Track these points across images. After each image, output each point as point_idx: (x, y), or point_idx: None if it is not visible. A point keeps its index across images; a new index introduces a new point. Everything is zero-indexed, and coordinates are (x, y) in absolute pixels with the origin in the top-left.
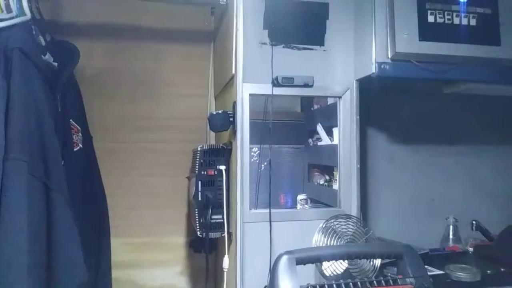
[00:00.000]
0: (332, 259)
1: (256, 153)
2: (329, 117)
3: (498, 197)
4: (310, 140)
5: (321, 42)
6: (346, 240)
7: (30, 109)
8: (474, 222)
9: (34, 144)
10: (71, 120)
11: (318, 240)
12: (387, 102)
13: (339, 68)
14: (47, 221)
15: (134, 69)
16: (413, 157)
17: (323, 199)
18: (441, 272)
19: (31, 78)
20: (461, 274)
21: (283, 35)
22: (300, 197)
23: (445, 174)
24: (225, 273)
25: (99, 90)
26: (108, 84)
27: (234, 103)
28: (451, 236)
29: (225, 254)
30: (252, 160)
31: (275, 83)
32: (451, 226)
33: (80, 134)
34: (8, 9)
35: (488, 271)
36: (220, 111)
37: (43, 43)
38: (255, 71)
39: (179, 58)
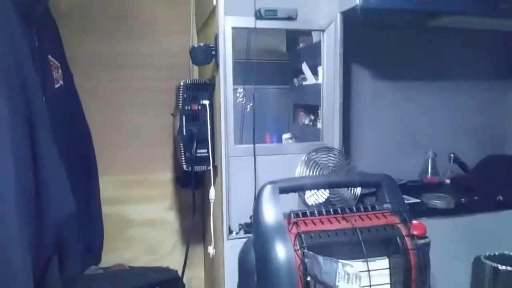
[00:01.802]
0: (313, 188)
1: (241, 94)
2: (315, 56)
3: (477, 132)
4: (295, 80)
5: None
6: (328, 172)
7: (5, 41)
8: (452, 155)
9: (12, 78)
10: (49, 56)
11: (300, 172)
12: (370, 38)
13: (323, 0)
14: (32, 155)
15: (112, 3)
16: (395, 92)
17: (308, 138)
18: (418, 200)
19: (4, 8)
20: (437, 201)
21: None
22: (285, 136)
23: (426, 110)
24: (212, 204)
25: (76, 25)
26: (85, 19)
27: (216, 36)
28: (429, 169)
29: (211, 186)
30: (238, 101)
31: (258, 15)
32: (429, 160)
33: (60, 70)
34: None
35: (462, 200)
36: (201, 44)
37: None
38: (237, 3)
39: None
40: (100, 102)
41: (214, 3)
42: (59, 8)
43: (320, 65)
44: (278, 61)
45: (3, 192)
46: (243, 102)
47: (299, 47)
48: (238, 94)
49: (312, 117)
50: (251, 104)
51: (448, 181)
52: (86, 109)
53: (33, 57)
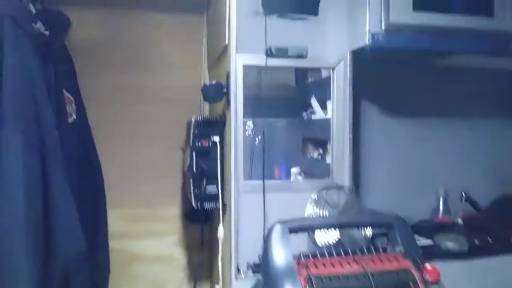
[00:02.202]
0: (324, 228)
1: (251, 127)
2: (323, 90)
3: (490, 170)
4: (304, 113)
5: (315, 12)
6: (337, 211)
7: (23, 78)
8: (463, 193)
9: (28, 113)
10: (64, 90)
11: (310, 210)
12: (380, 74)
13: (333, 39)
14: (44, 190)
15: (126, 39)
16: (406, 129)
17: (316, 172)
18: (430, 241)
19: (23, 46)
20: (449, 243)
21: (277, 4)
22: (294, 170)
23: (437, 146)
24: (220, 242)
25: (91, 60)
26: (100, 54)
27: (228, 74)
28: (441, 208)
29: (219, 224)
30: (247, 134)
31: (269, 53)
32: (441, 198)
33: (73, 105)
34: None
35: (476, 241)
36: (213, 82)
37: (34, 11)
38: (248, 41)
39: (172, 28)
40: (110, 135)
41: (227, 42)
42: (75, 43)
43: (329, 99)
44: (287, 94)
45: (13, 226)
46: (253, 135)
47: (308, 81)
48: (247, 127)
49: (321, 151)
50: (260, 137)
51: (460, 220)
52: (97, 141)
53: (49, 93)
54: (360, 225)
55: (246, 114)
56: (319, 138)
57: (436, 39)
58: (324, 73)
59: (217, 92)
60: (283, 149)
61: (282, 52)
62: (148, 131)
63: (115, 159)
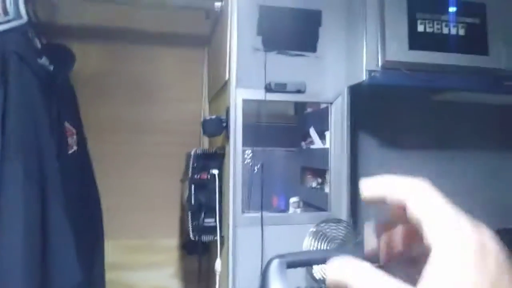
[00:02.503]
0: (322, 263)
1: (249, 155)
2: (322, 120)
3: (488, 203)
4: (303, 143)
5: (313, 49)
6: (336, 244)
7: (26, 112)
8: None
9: (30, 147)
10: (66, 122)
11: (308, 243)
12: (377, 108)
13: (331, 75)
14: (42, 223)
15: (128, 72)
16: (403, 162)
17: (315, 202)
18: None
19: (27, 82)
20: None
21: (276, 41)
22: (293, 200)
23: (434, 180)
24: (217, 276)
25: (94, 92)
26: (103, 86)
27: (228, 109)
28: None
29: (217, 257)
30: (245, 162)
31: (268, 88)
32: None
33: (75, 136)
34: (5, 12)
35: None
36: (213, 117)
37: (39, 46)
38: (248, 77)
39: (174, 61)
40: (110, 165)
41: (227, 77)
42: (78, 75)
43: (327, 129)
44: (286, 124)
45: (10, 257)
46: (251, 163)
47: (306, 111)
48: (246, 155)
49: (320, 180)
50: (258, 165)
51: None
52: (97, 171)
53: (50, 125)
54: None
55: (245, 143)
56: (318, 168)
57: (432, 76)
58: (322, 104)
59: (217, 127)
60: (282, 178)
61: (281, 87)
62: (148, 162)
63: (114, 189)
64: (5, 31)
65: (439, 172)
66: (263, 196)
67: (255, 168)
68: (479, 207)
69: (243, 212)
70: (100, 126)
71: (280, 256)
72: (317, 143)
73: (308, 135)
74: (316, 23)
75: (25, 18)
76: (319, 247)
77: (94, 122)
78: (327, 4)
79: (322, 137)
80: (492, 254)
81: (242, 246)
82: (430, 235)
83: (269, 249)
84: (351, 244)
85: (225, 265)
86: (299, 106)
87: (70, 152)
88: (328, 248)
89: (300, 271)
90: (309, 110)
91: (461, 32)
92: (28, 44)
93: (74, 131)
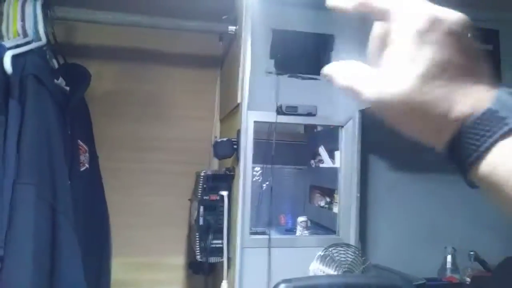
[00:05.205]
0: None
1: (259, 172)
2: (332, 139)
3: (498, 228)
4: (312, 161)
5: None
6: (343, 269)
7: (41, 133)
8: (472, 253)
9: (43, 167)
10: (79, 140)
11: (315, 267)
12: (388, 131)
13: (342, 98)
14: (52, 243)
15: (142, 91)
16: (413, 186)
17: (323, 222)
18: None
19: (43, 103)
20: None
21: (288, 65)
22: (301, 219)
23: (445, 203)
24: None
25: (107, 110)
26: (116, 105)
27: (238, 131)
28: (449, 266)
29: (223, 278)
30: (254, 179)
31: (279, 111)
32: (449, 256)
33: (87, 154)
34: (25, 34)
35: None
36: (224, 139)
37: (56, 66)
38: (260, 99)
39: (187, 81)
40: (120, 182)
41: (239, 100)
42: (92, 93)
43: (336, 149)
44: (296, 142)
45: (20, 276)
46: (260, 180)
47: (316, 130)
48: (255, 172)
49: (328, 199)
50: (267, 183)
51: (468, 279)
52: (106, 187)
53: (64, 144)
54: (367, 287)
55: (254, 160)
56: (327, 187)
57: None
58: None
59: (228, 149)
60: (290, 195)
61: (292, 110)
62: (157, 180)
63: (122, 206)
64: (24, 53)
65: (450, 196)
66: (271, 213)
67: (264, 185)
68: (490, 231)
69: (250, 229)
70: (112, 144)
71: (286, 281)
72: (327, 162)
73: (317, 153)
74: (328, 47)
75: (44, 39)
76: (326, 272)
77: (105, 139)
78: (340, 28)
79: (331, 156)
80: (444, 24)
81: (249, 268)
82: (392, 17)
83: (276, 272)
84: (359, 269)
85: (231, 287)
86: (309, 125)
87: (82, 169)
88: (335, 273)
89: None
90: (319, 128)
91: None
92: (46, 66)
93: (86, 148)
